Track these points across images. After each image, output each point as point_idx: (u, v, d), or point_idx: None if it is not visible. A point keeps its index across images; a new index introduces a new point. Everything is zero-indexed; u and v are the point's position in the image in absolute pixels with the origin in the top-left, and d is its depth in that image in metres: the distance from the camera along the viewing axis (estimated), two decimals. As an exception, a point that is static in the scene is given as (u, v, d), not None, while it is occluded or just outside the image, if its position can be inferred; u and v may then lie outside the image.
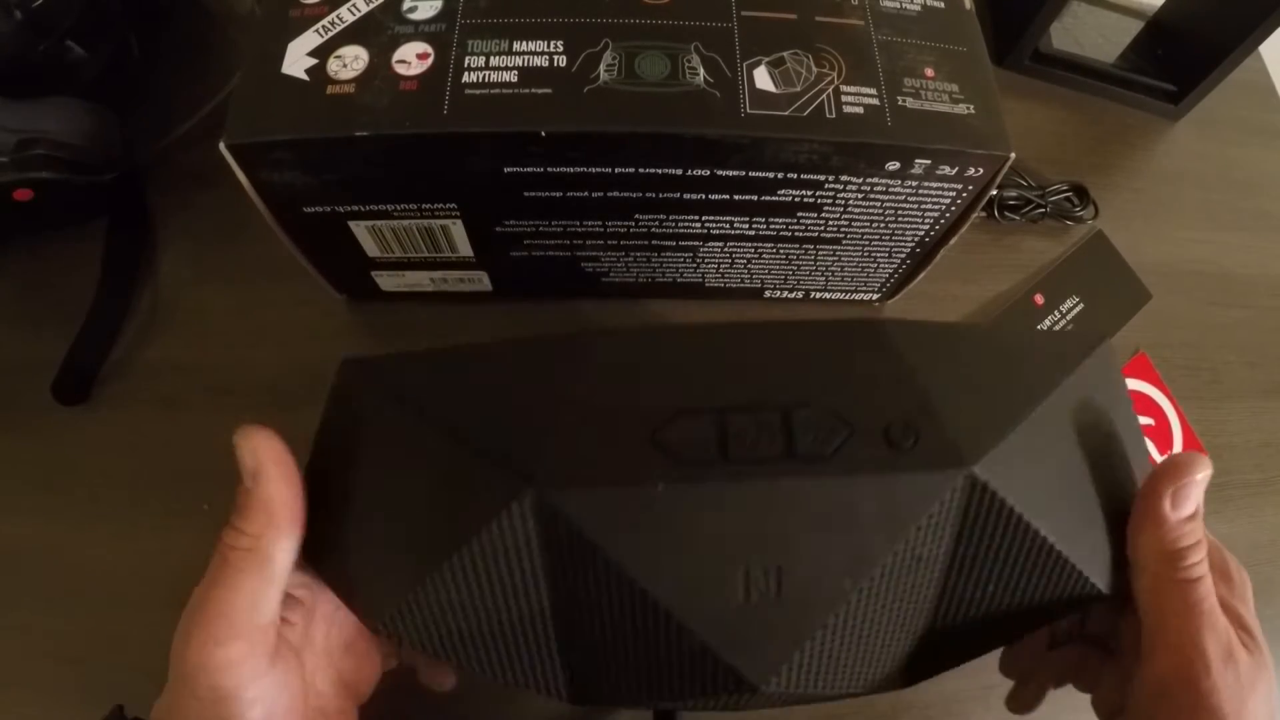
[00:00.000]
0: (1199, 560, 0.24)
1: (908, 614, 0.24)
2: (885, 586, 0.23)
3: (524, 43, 0.30)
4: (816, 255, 0.38)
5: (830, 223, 0.35)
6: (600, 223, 0.35)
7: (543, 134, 0.29)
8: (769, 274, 0.40)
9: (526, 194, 0.32)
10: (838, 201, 0.33)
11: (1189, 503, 0.24)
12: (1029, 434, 0.23)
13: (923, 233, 0.36)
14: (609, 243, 0.36)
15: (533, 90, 0.29)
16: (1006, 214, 0.47)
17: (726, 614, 0.22)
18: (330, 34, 0.30)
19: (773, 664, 0.22)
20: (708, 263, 0.39)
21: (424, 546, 0.23)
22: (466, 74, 0.29)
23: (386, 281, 0.39)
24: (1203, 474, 0.24)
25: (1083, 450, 0.25)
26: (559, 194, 0.32)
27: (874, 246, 0.37)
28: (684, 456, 0.22)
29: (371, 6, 0.31)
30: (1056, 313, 0.46)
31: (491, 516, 0.22)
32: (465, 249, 0.36)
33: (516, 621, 0.23)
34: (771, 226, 0.35)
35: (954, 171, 0.32)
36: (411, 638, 0.23)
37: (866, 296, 0.43)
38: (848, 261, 0.39)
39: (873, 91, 0.31)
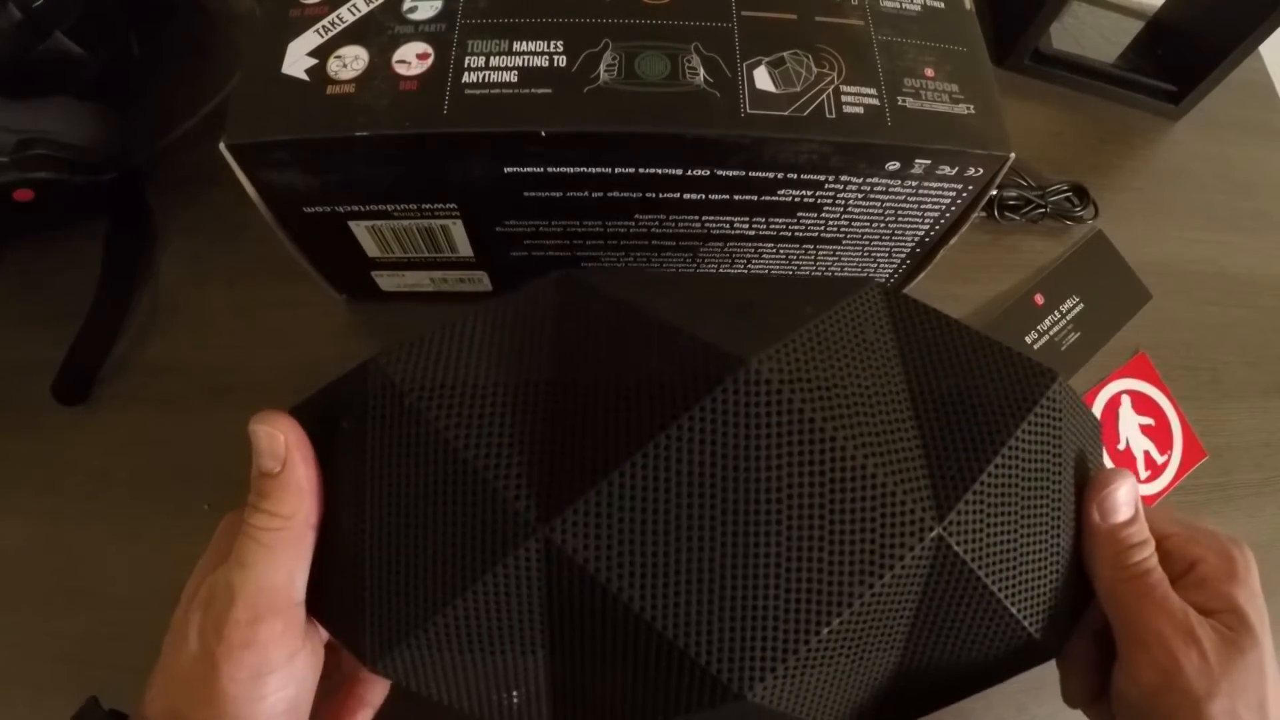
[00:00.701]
0: (1143, 558, 0.25)
1: (872, 666, 0.24)
2: (856, 629, 0.23)
3: (524, 43, 0.30)
4: (816, 255, 0.38)
5: (830, 223, 0.35)
6: (600, 223, 0.35)
7: (543, 134, 0.29)
8: (769, 274, 0.40)
9: (526, 194, 0.32)
10: (838, 201, 0.33)
11: (1116, 512, 0.26)
12: (991, 488, 0.24)
13: (923, 233, 0.36)
14: (609, 243, 0.36)
15: (533, 90, 0.29)
16: (1006, 214, 0.47)
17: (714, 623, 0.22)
18: (330, 34, 0.30)
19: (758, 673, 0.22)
20: (708, 263, 0.39)
21: (426, 590, 0.23)
22: (466, 74, 0.29)
23: (386, 281, 0.39)
24: (1122, 485, 0.26)
25: (1042, 493, 0.26)
26: (559, 194, 0.32)
27: (874, 246, 0.37)
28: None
29: (371, 6, 0.31)
30: (1056, 313, 0.46)
31: (498, 560, 0.22)
32: (465, 249, 0.36)
33: (512, 672, 0.23)
34: (771, 226, 0.35)
35: (954, 171, 0.32)
36: (406, 679, 0.23)
37: (866, 296, 0.43)
38: (848, 261, 0.39)
39: (873, 91, 0.31)
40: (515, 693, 0.23)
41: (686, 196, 0.33)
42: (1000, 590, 0.24)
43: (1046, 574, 0.26)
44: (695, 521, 0.22)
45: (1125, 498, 0.26)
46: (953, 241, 0.37)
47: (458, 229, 0.35)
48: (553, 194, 0.32)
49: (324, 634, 0.26)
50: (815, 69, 0.31)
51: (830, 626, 0.22)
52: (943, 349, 0.26)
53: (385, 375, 0.24)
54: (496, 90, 0.29)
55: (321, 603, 0.24)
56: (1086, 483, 0.27)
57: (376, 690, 0.28)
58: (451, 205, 0.33)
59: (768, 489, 0.22)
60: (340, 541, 0.24)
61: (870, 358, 0.25)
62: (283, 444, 0.23)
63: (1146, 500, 0.43)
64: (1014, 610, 0.25)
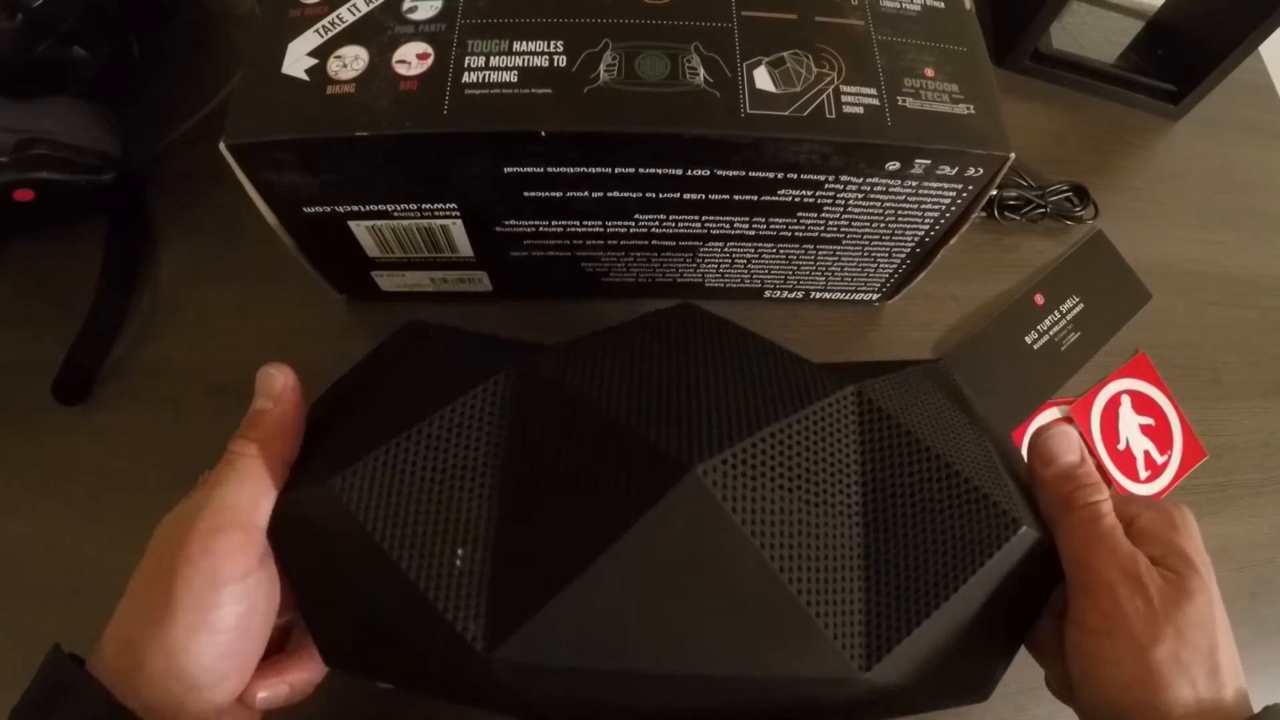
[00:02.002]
0: (1097, 499, 0.25)
1: (837, 552, 0.24)
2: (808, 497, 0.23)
3: (524, 43, 0.30)
4: (816, 255, 0.38)
5: (830, 223, 0.35)
6: (600, 223, 0.35)
7: (543, 134, 0.29)
8: (769, 274, 0.40)
9: (526, 194, 0.32)
10: (838, 201, 0.33)
11: (1057, 457, 0.27)
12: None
13: (923, 233, 0.36)
14: (609, 243, 0.36)
15: (533, 90, 0.29)
16: (1006, 214, 0.47)
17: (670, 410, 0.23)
18: (330, 34, 0.30)
19: (701, 447, 0.22)
20: (708, 263, 0.39)
21: (388, 422, 0.24)
22: (466, 74, 0.29)
23: (386, 281, 0.39)
24: (1054, 431, 0.27)
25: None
26: (559, 194, 0.32)
27: (874, 246, 0.37)
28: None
29: (371, 6, 0.31)
30: (1056, 313, 0.46)
31: (470, 387, 0.24)
32: (465, 249, 0.36)
33: (460, 518, 0.23)
34: (771, 226, 0.35)
35: (954, 171, 0.32)
36: (355, 503, 0.23)
37: (866, 296, 0.43)
38: (848, 261, 0.39)
39: (873, 91, 0.30)
40: (460, 550, 0.23)
41: (686, 196, 0.33)
42: (935, 444, 0.25)
43: (975, 454, 0.26)
44: (645, 361, 0.25)
45: (1064, 444, 0.27)
46: (953, 241, 0.37)
47: (458, 229, 0.35)
48: (553, 194, 0.32)
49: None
50: (815, 69, 0.31)
51: (769, 430, 0.23)
52: (907, 489, 0.25)
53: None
54: (496, 90, 0.29)
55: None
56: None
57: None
58: (451, 205, 0.33)
59: (709, 358, 0.25)
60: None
61: (826, 492, 0.24)
62: (280, 385, 0.26)
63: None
64: (955, 466, 0.25)
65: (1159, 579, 0.24)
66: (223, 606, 0.23)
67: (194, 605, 0.22)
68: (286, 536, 0.25)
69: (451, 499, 0.23)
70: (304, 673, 0.27)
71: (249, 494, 0.24)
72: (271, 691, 0.26)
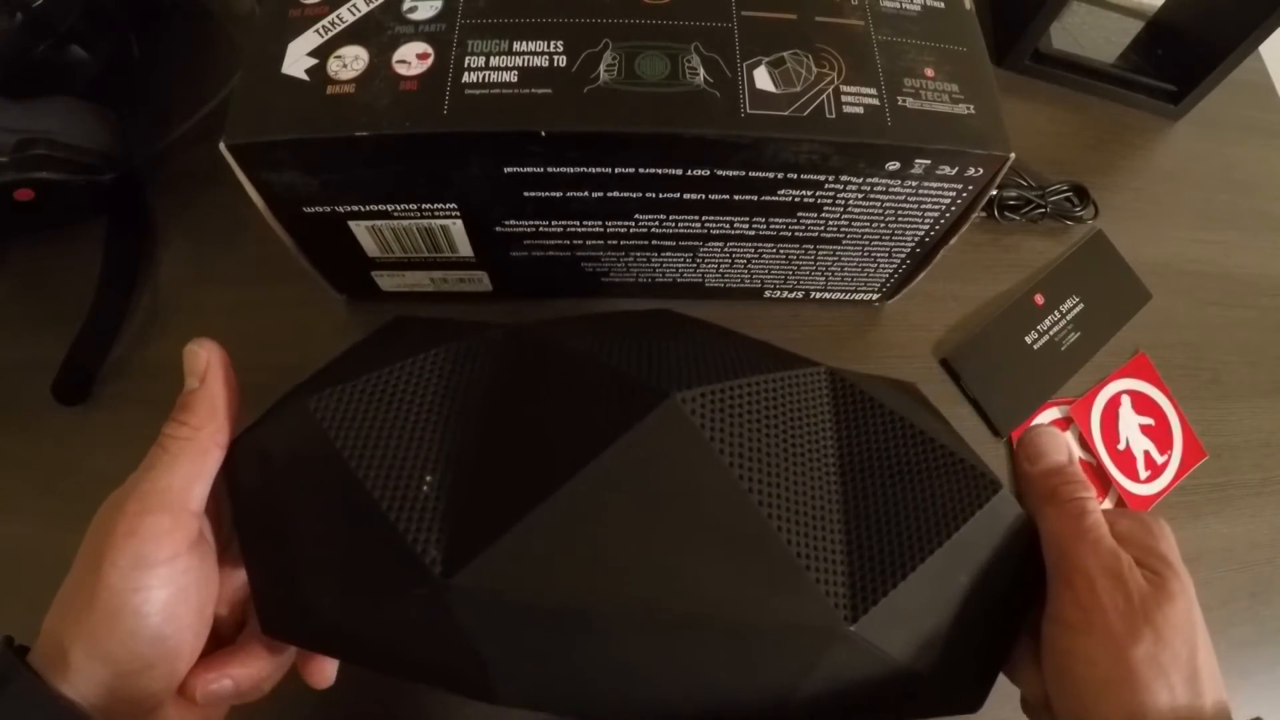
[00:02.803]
0: (1083, 495, 0.25)
1: (819, 504, 0.23)
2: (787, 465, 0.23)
3: (524, 43, 0.30)
4: (816, 255, 0.38)
5: (830, 223, 0.35)
6: (600, 223, 0.35)
7: (543, 134, 0.29)
8: (769, 274, 0.40)
9: (526, 194, 0.32)
10: (838, 201, 0.33)
11: (1044, 455, 0.27)
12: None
13: (923, 233, 0.36)
14: (609, 243, 0.36)
15: (533, 90, 0.29)
16: (1006, 214, 0.47)
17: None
18: (330, 34, 0.30)
19: (681, 381, 0.23)
20: (708, 263, 0.39)
21: (373, 360, 0.24)
22: (466, 74, 0.29)
23: (386, 281, 0.39)
24: (1042, 432, 0.27)
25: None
26: (559, 194, 0.32)
27: (874, 246, 0.37)
28: None
29: (371, 6, 0.31)
30: (1056, 313, 0.46)
31: (458, 338, 0.24)
32: (465, 249, 0.36)
33: (433, 445, 0.23)
34: (771, 226, 0.35)
35: (954, 171, 0.32)
36: (329, 421, 0.23)
37: (866, 296, 0.43)
38: (848, 261, 0.39)
39: (873, 91, 0.30)
40: (429, 477, 0.22)
41: (686, 196, 0.33)
42: (907, 415, 0.25)
43: (947, 437, 0.26)
44: (630, 332, 0.26)
45: (1051, 443, 0.27)
46: (953, 241, 0.37)
47: (458, 229, 0.35)
48: (553, 194, 0.32)
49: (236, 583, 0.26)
50: (815, 69, 0.31)
51: (746, 380, 0.23)
52: (883, 453, 0.25)
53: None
54: (496, 90, 0.29)
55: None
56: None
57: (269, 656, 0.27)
58: (451, 205, 0.33)
59: (691, 336, 0.27)
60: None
61: (803, 438, 0.24)
62: (204, 362, 0.25)
63: (1147, 500, 0.43)
64: (931, 435, 0.25)
65: (1140, 578, 0.23)
66: (148, 589, 0.22)
67: (118, 587, 0.22)
68: (242, 478, 0.25)
69: (427, 429, 0.23)
70: (249, 668, 0.26)
71: (180, 477, 0.24)
72: (215, 685, 0.25)
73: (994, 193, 0.37)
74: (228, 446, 0.25)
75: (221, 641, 0.27)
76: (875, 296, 0.43)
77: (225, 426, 0.25)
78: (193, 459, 0.24)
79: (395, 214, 0.33)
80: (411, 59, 0.29)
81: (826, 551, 0.22)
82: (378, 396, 0.23)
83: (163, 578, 0.23)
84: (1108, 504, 0.43)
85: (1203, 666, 0.22)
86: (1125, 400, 0.45)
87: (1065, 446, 0.27)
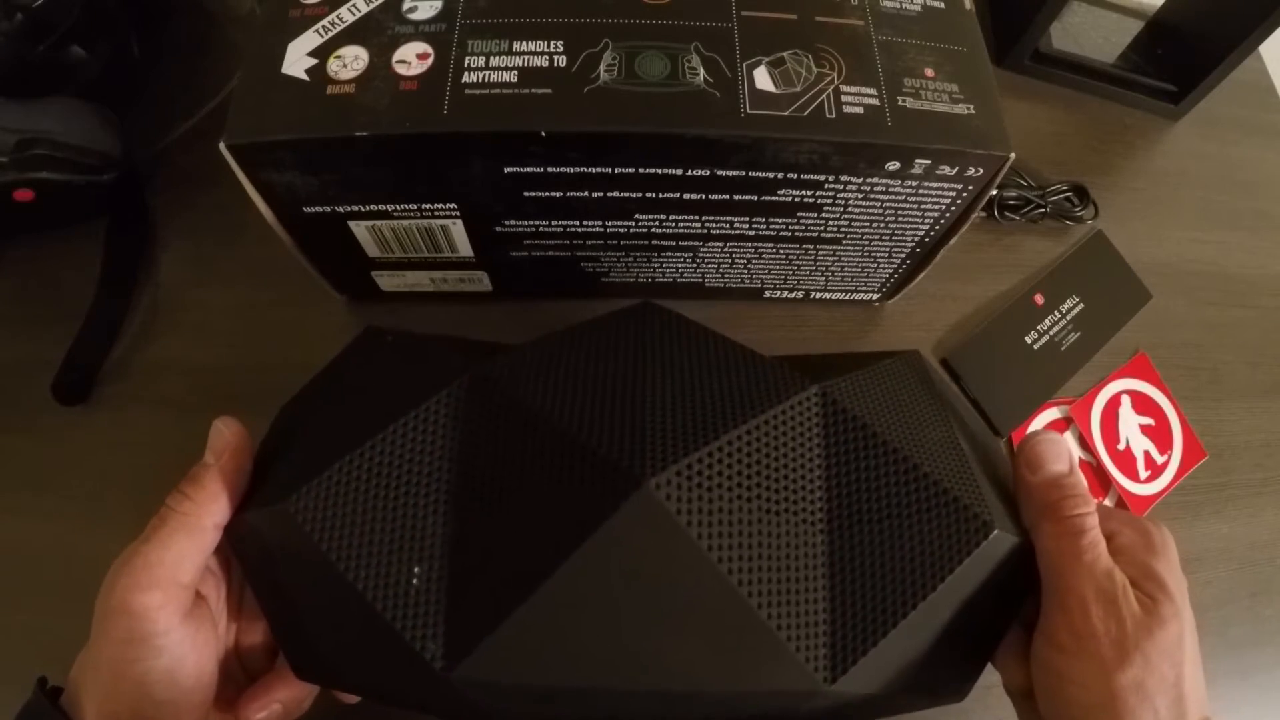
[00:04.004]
0: (1081, 512, 0.25)
1: (801, 558, 0.23)
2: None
3: (524, 43, 0.30)
4: (816, 255, 0.38)
5: (830, 223, 0.35)
6: (600, 223, 0.35)
7: (543, 134, 0.29)
8: (769, 274, 0.40)
9: (526, 194, 0.32)
10: (838, 201, 0.33)
11: (1046, 464, 0.26)
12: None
13: (923, 233, 0.36)
14: (609, 243, 0.36)
15: (533, 90, 0.29)
16: (1006, 214, 0.47)
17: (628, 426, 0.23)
18: (330, 34, 0.30)
19: (654, 458, 0.22)
20: (708, 263, 0.39)
21: (343, 436, 0.24)
22: (466, 74, 0.29)
23: (386, 281, 0.39)
24: (1045, 439, 0.27)
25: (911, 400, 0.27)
26: (559, 194, 0.32)
27: (874, 246, 0.37)
28: None
29: (371, 6, 0.31)
30: (1056, 313, 0.46)
31: (425, 398, 0.23)
32: (465, 249, 0.36)
33: (415, 536, 0.23)
34: (771, 226, 0.35)
35: (954, 171, 0.32)
36: (310, 522, 0.23)
37: (866, 296, 0.43)
38: (848, 261, 0.39)
39: (873, 91, 0.30)
40: (417, 569, 0.22)
41: (686, 196, 0.33)
42: (902, 444, 0.24)
43: (945, 450, 0.25)
44: (600, 368, 0.24)
45: (1053, 451, 0.26)
46: (953, 241, 0.37)
47: (458, 229, 0.35)
48: (553, 194, 0.32)
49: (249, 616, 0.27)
50: (815, 69, 0.31)
51: (726, 438, 0.22)
52: (873, 493, 0.24)
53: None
54: (496, 90, 0.29)
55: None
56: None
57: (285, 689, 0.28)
58: (451, 205, 0.33)
59: (665, 358, 0.25)
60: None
61: (788, 501, 0.23)
62: (223, 442, 0.25)
63: (1146, 500, 0.43)
64: (924, 468, 0.24)
65: (1134, 604, 0.24)
66: (144, 661, 0.23)
67: (116, 659, 0.23)
68: (248, 554, 0.25)
69: (406, 516, 0.23)
70: (294, 689, 0.27)
71: (173, 553, 0.24)
72: (265, 712, 0.27)
73: (994, 193, 0.37)
74: (223, 527, 0.26)
75: (259, 666, 0.29)
76: (875, 296, 0.43)
77: (226, 509, 0.25)
78: (188, 536, 0.24)
79: (395, 214, 0.33)
80: (411, 59, 0.29)
81: (808, 619, 0.23)
82: (352, 487, 0.23)
83: (158, 649, 0.23)
84: (1108, 503, 0.43)
85: (1188, 688, 0.23)
86: (1125, 400, 0.45)
87: (1066, 454, 0.26)
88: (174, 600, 0.24)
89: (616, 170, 0.31)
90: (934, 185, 0.32)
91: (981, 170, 0.31)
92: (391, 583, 0.22)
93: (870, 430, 0.25)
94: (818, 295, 0.43)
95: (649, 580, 0.21)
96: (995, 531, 0.24)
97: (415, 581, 0.22)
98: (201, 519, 0.24)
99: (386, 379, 0.27)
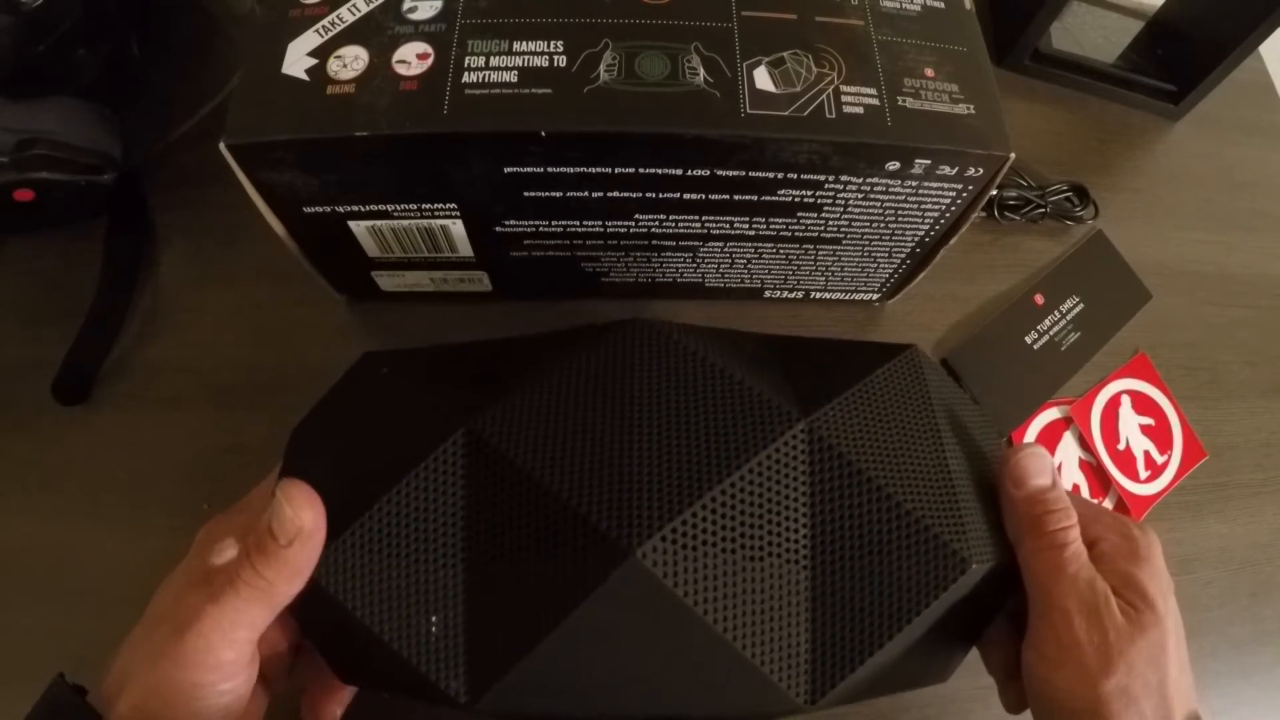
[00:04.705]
0: (1062, 526, 0.25)
1: (786, 586, 0.25)
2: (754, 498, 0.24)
3: (524, 43, 0.30)
4: (816, 255, 0.38)
5: (830, 223, 0.35)
6: (600, 223, 0.35)
7: (543, 134, 0.29)
8: (769, 274, 0.40)
9: (526, 194, 0.32)
10: (838, 201, 0.33)
11: (1028, 477, 0.26)
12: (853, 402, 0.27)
13: (923, 233, 0.36)
14: (609, 243, 0.36)
15: (533, 90, 0.29)
16: (1006, 214, 0.47)
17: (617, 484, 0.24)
18: (330, 34, 0.30)
19: (641, 526, 0.23)
20: (708, 263, 0.39)
21: (353, 494, 0.25)
22: (466, 74, 0.29)
23: (386, 281, 0.39)
24: (1031, 453, 0.27)
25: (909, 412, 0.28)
26: (559, 194, 0.32)
27: (874, 246, 0.37)
28: None
29: (371, 6, 0.31)
30: (1056, 313, 0.46)
31: (426, 454, 0.25)
32: (465, 249, 0.36)
33: (432, 588, 0.25)
34: (771, 226, 0.35)
35: (954, 171, 0.32)
36: (331, 582, 0.25)
37: (866, 296, 0.43)
38: (848, 261, 0.39)
39: (873, 91, 0.31)
40: (435, 618, 0.24)
41: (686, 196, 0.33)
42: (886, 482, 0.25)
43: (930, 474, 0.26)
44: (587, 417, 0.25)
45: (1036, 466, 0.27)
46: (953, 241, 0.37)
47: (458, 229, 0.35)
48: (553, 194, 0.32)
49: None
50: (815, 69, 0.31)
51: (710, 495, 0.24)
52: (856, 533, 0.25)
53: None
54: (496, 90, 0.29)
55: None
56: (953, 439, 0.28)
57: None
58: (451, 205, 0.33)
59: (651, 399, 0.26)
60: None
61: (773, 552, 0.25)
62: (295, 528, 0.24)
63: (1147, 500, 0.43)
64: (906, 505, 0.25)
65: (1117, 614, 0.24)
66: (201, 700, 0.23)
67: (170, 696, 0.23)
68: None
69: (418, 572, 0.25)
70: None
71: (247, 623, 0.24)
72: (340, 709, 0.29)
73: (994, 193, 0.37)
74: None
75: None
76: (875, 296, 0.43)
77: (298, 587, 0.25)
78: (265, 607, 0.24)
79: (395, 214, 0.33)
80: (411, 59, 0.29)
81: (790, 652, 0.25)
82: (367, 550, 0.25)
83: (220, 693, 0.23)
84: (1108, 504, 0.43)
85: (1173, 690, 0.24)
86: (1125, 400, 0.45)
87: (1049, 468, 0.27)
88: (244, 655, 0.24)
89: (616, 170, 0.31)
90: (934, 185, 0.32)
91: (981, 170, 0.31)
92: (412, 631, 0.24)
93: (855, 468, 0.25)
94: (818, 295, 0.43)
95: (639, 633, 0.24)
96: (972, 566, 0.25)
97: (434, 629, 0.24)
98: (277, 595, 0.24)
99: (388, 424, 0.28)
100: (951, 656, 0.28)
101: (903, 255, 0.38)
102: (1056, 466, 0.43)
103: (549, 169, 0.31)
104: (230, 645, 0.23)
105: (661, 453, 0.25)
